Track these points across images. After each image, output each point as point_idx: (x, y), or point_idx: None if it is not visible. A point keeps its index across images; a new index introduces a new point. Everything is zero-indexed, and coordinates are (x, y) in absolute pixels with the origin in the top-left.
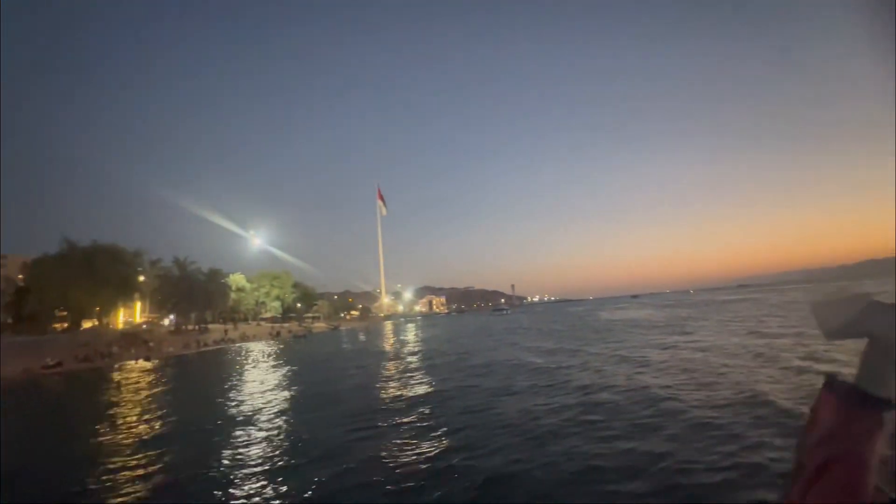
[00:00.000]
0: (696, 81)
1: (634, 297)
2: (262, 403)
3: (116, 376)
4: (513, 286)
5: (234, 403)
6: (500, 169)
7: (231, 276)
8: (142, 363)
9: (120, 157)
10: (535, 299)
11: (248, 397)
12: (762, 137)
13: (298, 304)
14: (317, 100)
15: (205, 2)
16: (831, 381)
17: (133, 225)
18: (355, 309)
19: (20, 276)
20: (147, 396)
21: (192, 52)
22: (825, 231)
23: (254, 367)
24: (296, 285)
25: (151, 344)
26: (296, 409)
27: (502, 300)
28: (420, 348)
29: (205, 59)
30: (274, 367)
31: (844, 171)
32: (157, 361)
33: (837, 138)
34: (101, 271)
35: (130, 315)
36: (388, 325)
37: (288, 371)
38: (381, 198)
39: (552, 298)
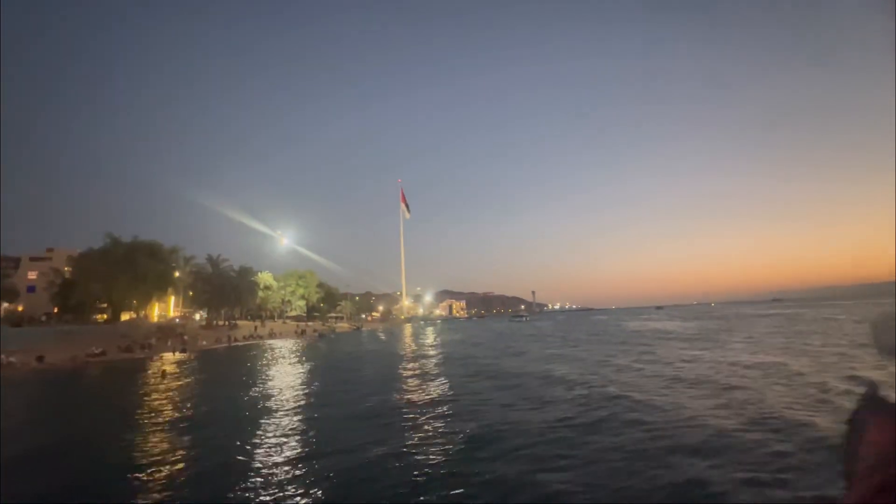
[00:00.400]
0: (730, 86)
1: (659, 308)
2: (291, 396)
3: (156, 366)
4: (533, 293)
5: (264, 395)
6: (525, 175)
7: (259, 275)
8: (178, 355)
9: (159, 158)
10: (555, 307)
11: (277, 391)
12: (799, 145)
13: (322, 304)
14: (342, 101)
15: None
16: (877, 398)
17: (169, 223)
18: (376, 310)
19: (66, 269)
20: (185, 386)
21: (222, 50)
22: (865, 246)
23: (283, 363)
24: (320, 285)
25: (186, 337)
26: (321, 405)
27: (522, 306)
28: (443, 353)
29: (233, 58)
30: (301, 363)
31: (885, 185)
32: (191, 354)
33: (881, 148)
34: (140, 266)
35: (164, 309)
36: (408, 328)
37: (314, 368)
38: (405, 200)
39: (573, 307)
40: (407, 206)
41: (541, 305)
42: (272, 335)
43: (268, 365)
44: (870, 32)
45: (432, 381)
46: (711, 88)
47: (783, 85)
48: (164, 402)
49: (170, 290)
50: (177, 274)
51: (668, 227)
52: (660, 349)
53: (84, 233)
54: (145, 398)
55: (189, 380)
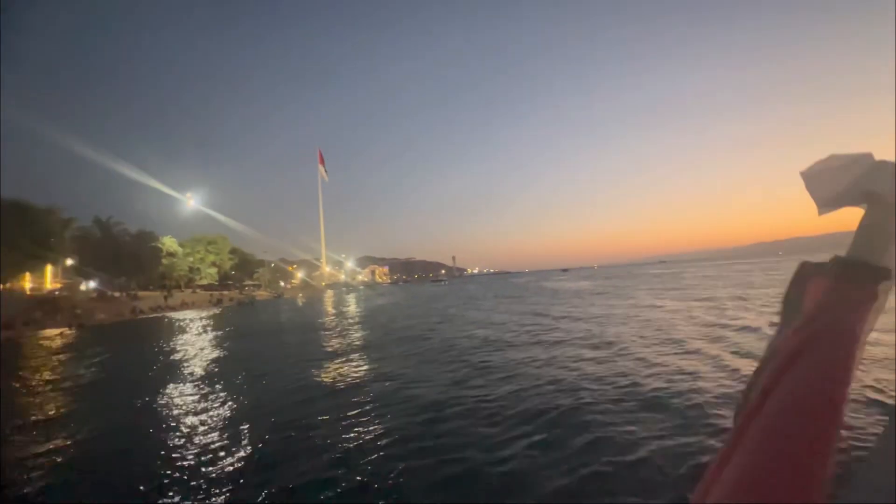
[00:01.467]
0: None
1: (564, 270)
2: (211, 372)
3: (48, 343)
4: (454, 258)
5: (185, 372)
6: (443, 143)
7: (162, 240)
8: (70, 331)
9: (32, 100)
10: (475, 271)
11: (202, 367)
12: (689, 111)
13: (235, 272)
14: (260, 63)
15: None
16: (814, 265)
17: (43, 180)
18: (294, 278)
19: None
20: (87, 365)
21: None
22: (757, 208)
23: (203, 335)
24: (233, 251)
25: (79, 311)
26: (252, 376)
27: (443, 271)
28: (376, 318)
29: (148, 9)
30: (226, 336)
31: (756, 154)
32: (86, 330)
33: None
34: (7, 230)
35: (39, 280)
36: (329, 295)
37: (242, 339)
38: (323, 162)
39: (491, 270)
40: (325, 167)
41: (461, 270)
42: (184, 305)
43: (186, 338)
44: None
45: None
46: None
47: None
48: (55, 387)
49: (49, 257)
50: (52, 239)
51: (577, 196)
52: (581, 303)
53: None
54: (38, 381)
55: (92, 359)
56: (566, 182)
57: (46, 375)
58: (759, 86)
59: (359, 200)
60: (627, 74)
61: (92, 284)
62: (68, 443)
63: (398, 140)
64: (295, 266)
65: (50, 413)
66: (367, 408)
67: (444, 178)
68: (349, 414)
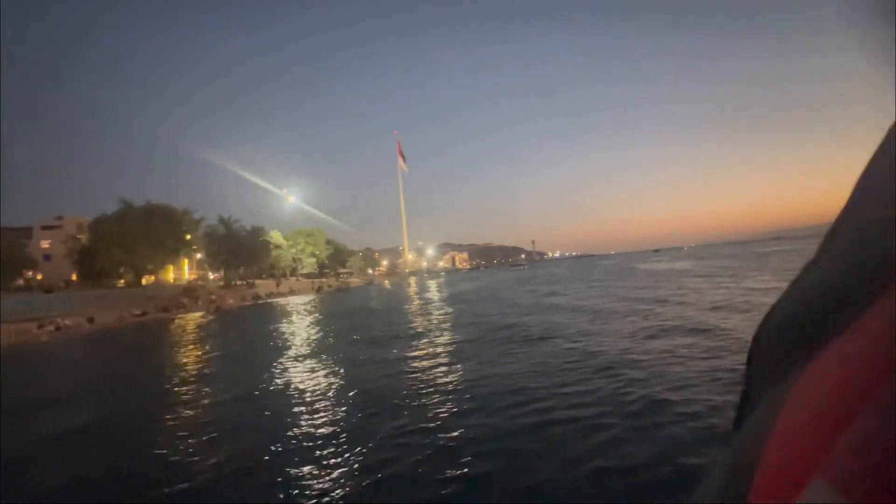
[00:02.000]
0: (715, 21)
1: (656, 251)
2: (339, 342)
3: (198, 321)
4: (533, 242)
5: (310, 344)
6: (522, 125)
7: (270, 234)
8: (210, 315)
9: (159, 120)
10: (555, 255)
11: (321, 338)
12: (798, 76)
13: (328, 261)
14: (338, 56)
15: None
16: None
17: (171, 184)
18: (381, 265)
19: (79, 237)
20: (237, 335)
21: (220, 15)
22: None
23: (315, 315)
24: (328, 242)
25: (213, 297)
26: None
27: (522, 256)
28: (472, 304)
29: (235, 15)
30: (334, 315)
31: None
32: (217, 313)
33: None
34: (158, 230)
35: (179, 272)
36: (413, 281)
37: (347, 319)
38: (402, 154)
39: (574, 254)
40: (404, 159)
41: (540, 254)
42: (291, 292)
43: (302, 318)
44: None
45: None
46: (714, 22)
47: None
48: (228, 348)
49: (188, 252)
50: (188, 237)
51: (663, 173)
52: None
53: (85, 198)
54: (207, 346)
55: (235, 330)
56: (653, 159)
57: (212, 348)
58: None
59: (437, 188)
60: (714, 42)
61: (213, 275)
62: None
63: (476, 127)
64: (378, 254)
65: (215, 374)
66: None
67: (521, 160)
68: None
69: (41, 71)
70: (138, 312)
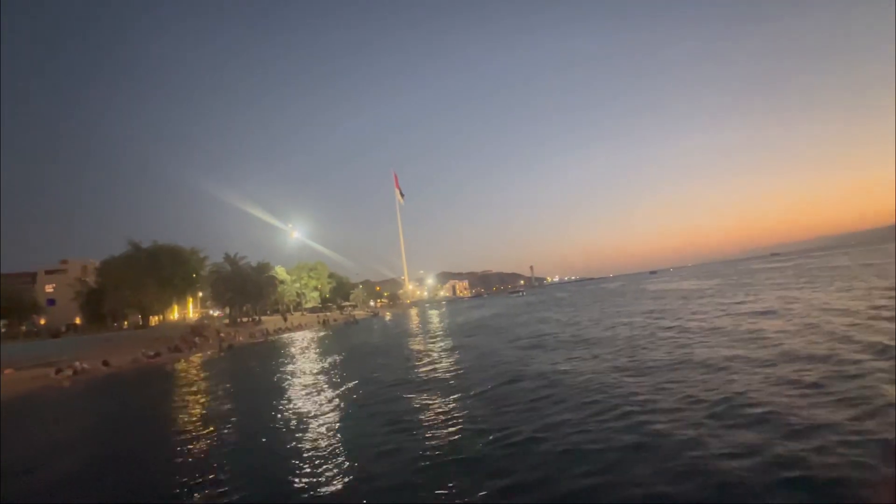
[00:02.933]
0: (720, 37)
1: (652, 272)
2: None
3: (210, 359)
4: (531, 267)
5: (326, 381)
6: (513, 153)
7: (274, 269)
8: (222, 353)
9: (160, 159)
10: (554, 279)
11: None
12: (785, 95)
13: (329, 294)
14: (333, 88)
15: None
16: None
17: (172, 221)
18: (382, 297)
19: (86, 279)
20: (248, 373)
21: (221, 47)
22: (864, 192)
23: (327, 350)
24: (331, 275)
25: (223, 335)
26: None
27: (521, 282)
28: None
29: (233, 53)
30: (343, 349)
31: (877, 127)
32: (228, 351)
33: (870, 90)
34: (166, 270)
35: (183, 310)
36: (414, 311)
37: (359, 353)
38: (398, 186)
39: (573, 278)
40: (401, 192)
41: (539, 279)
42: (299, 327)
43: (315, 353)
44: None
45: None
46: (702, 41)
47: (774, 29)
48: (244, 386)
49: (195, 291)
50: (194, 275)
51: (656, 192)
52: (708, 302)
53: (86, 242)
54: (223, 386)
55: (248, 368)
56: (648, 177)
57: (235, 383)
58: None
59: (434, 218)
60: (701, 51)
61: (216, 312)
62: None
63: (468, 158)
64: (379, 287)
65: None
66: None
67: (514, 186)
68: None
69: (42, 112)
70: (152, 354)
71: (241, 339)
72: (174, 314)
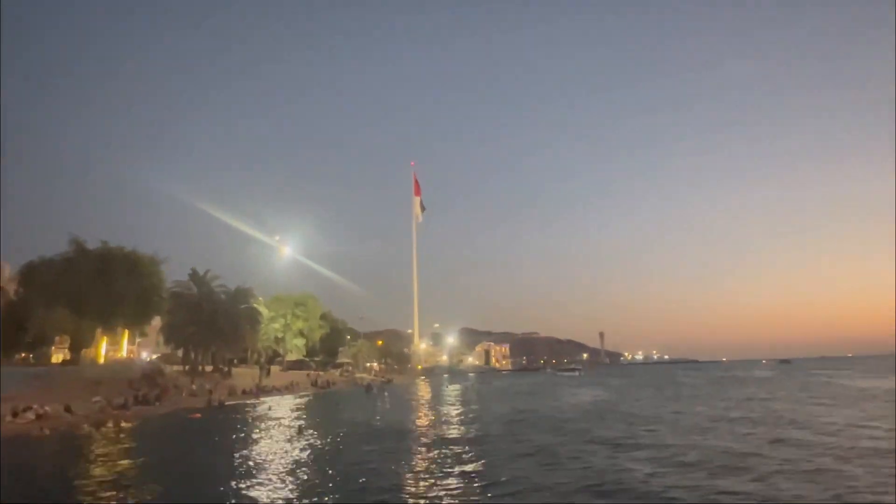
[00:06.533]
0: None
1: (783, 361)
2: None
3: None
4: (601, 334)
5: None
6: (576, 177)
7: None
8: (205, 408)
9: (118, 150)
10: (637, 356)
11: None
12: None
13: (317, 342)
14: (333, 88)
15: None
16: None
17: (124, 224)
18: (384, 359)
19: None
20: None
21: (204, 46)
22: None
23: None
24: (324, 317)
25: (209, 387)
26: None
27: (584, 354)
28: None
29: (217, 52)
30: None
31: None
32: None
33: None
34: (117, 283)
35: (115, 346)
36: (423, 384)
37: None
38: (419, 191)
39: (665, 357)
40: (422, 203)
41: (613, 354)
42: (290, 388)
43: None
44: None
45: None
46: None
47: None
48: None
49: (149, 317)
50: (156, 298)
51: (795, 244)
52: None
53: (20, 240)
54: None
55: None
56: (775, 220)
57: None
58: None
59: (458, 256)
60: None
61: (156, 354)
62: None
63: (505, 172)
64: (381, 341)
65: None
66: None
67: (582, 225)
68: None
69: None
70: (122, 402)
71: (222, 397)
72: (99, 351)
